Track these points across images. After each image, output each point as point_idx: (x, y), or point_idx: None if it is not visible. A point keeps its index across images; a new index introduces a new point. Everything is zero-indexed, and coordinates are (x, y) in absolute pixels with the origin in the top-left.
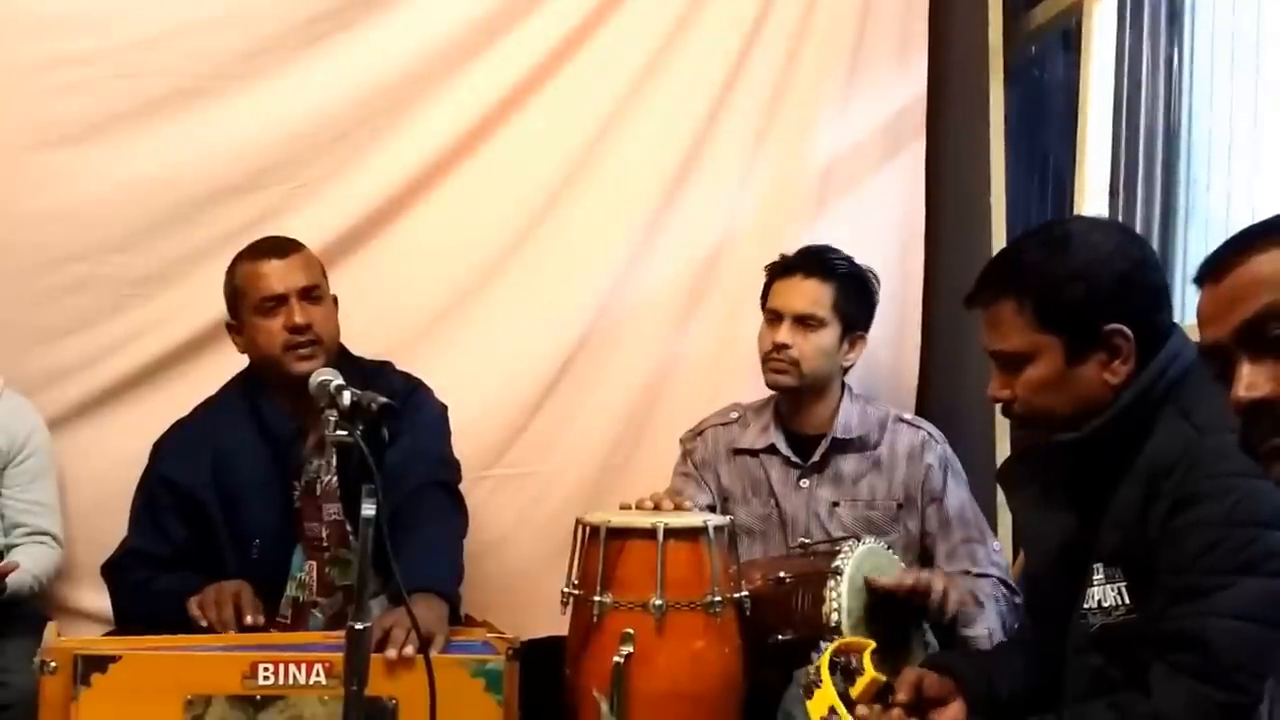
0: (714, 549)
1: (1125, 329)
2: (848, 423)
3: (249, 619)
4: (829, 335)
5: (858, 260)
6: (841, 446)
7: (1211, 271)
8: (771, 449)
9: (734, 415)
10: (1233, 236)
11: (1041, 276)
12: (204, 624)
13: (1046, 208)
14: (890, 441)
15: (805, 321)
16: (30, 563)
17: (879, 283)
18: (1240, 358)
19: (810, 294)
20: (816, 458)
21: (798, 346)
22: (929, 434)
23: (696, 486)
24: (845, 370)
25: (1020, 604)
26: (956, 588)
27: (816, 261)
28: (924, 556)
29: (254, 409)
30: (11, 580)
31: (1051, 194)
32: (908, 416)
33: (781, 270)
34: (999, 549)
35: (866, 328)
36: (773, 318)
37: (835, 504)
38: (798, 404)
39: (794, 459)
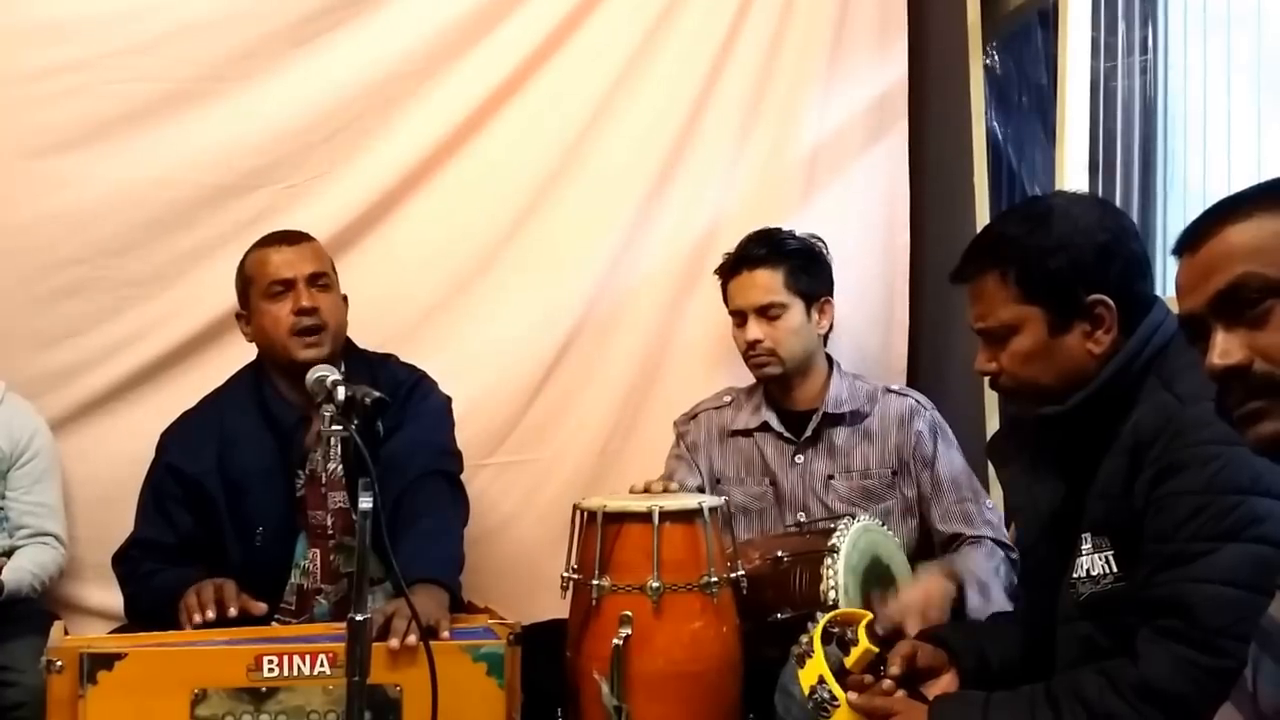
0: (709, 530)
1: (1107, 299)
2: (838, 396)
3: (231, 611)
4: (795, 315)
5: (845, 242)
6: (833, 420)
7: (1188, 243)
8: (764, 427)
9: (727, 399)
10: (1209, 208)
11: (1023, 249)
12: (197, 619)
13: (1029, 185)
14: (880, 411)
15: (767, 311)
16: (31, 563)
17: (824, 244)
18: (1215, 326)
19: (762, 284)
20: (809, 432)
21: (769, 337)
22: (917, 401)
23: (688, 469)
24: (825, 339)
25: (1015, 559)
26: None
27: (760, 250)
28: (922, 521)
29: (259, 397)
30: (9, 580)
31: (1034, 171)
32: (895, 387)
33: (730, 270)
34: (992, 506)
35: (830, 291)
36: (738, 317)
37: (831, 477)
38: (787, 385)
39: (787, 435)
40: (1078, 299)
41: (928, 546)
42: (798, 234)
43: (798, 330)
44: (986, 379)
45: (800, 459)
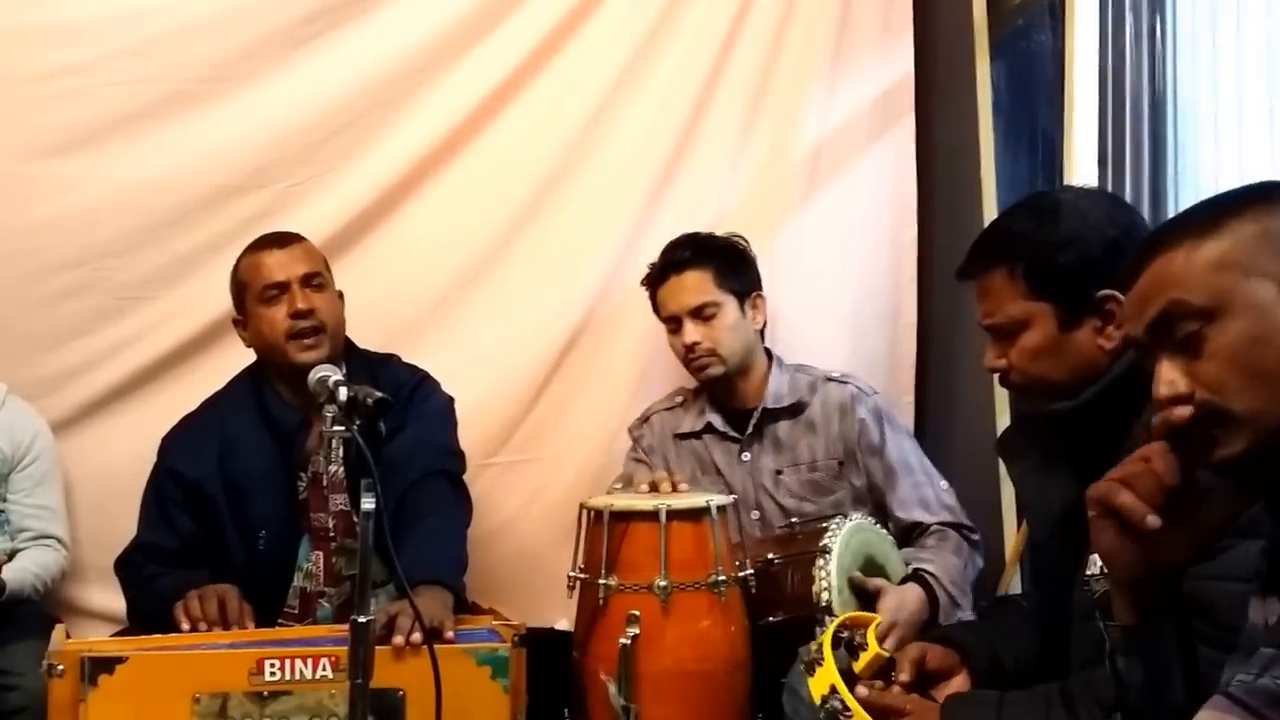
0: (717, 528)
1: (1118, 294)
2: (778, 391)
3: (232, 621)
4: (729, 313)
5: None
6: (774, 415)
7: (1129, 272)
8: (709, 428)
9: (678, 399)
10: (1145, 238)
11: (1031, 244)
12: (185, 627)
13: (1037, 180)
14: (820, 401)
15: (702, 312)
16: (33, 564)
17: (746, 241)
18: (1158, 355)
19: (693, 285)
20: (750, 429)
21: (707, 337)
22: (857, 388)
23: (648, 471)
24: (762, 334)
25: (978, 540)
26: (902, 628)
27: (685, 253)
28: (876, 509)
29: (259, 399)
30: (11, 579)
31: (1041, 166)
32: (836, 375)
33: (658, 278)
34: (947, 488)
35: (759, 286)
36: (672, 324)
37: (779, 472)
38: (729, 385)
39: (731, 434)
40: (1088, 294)
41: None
42: (718, 234)
43: (734, 327)
44: (996, 376)
45: (747, 456)
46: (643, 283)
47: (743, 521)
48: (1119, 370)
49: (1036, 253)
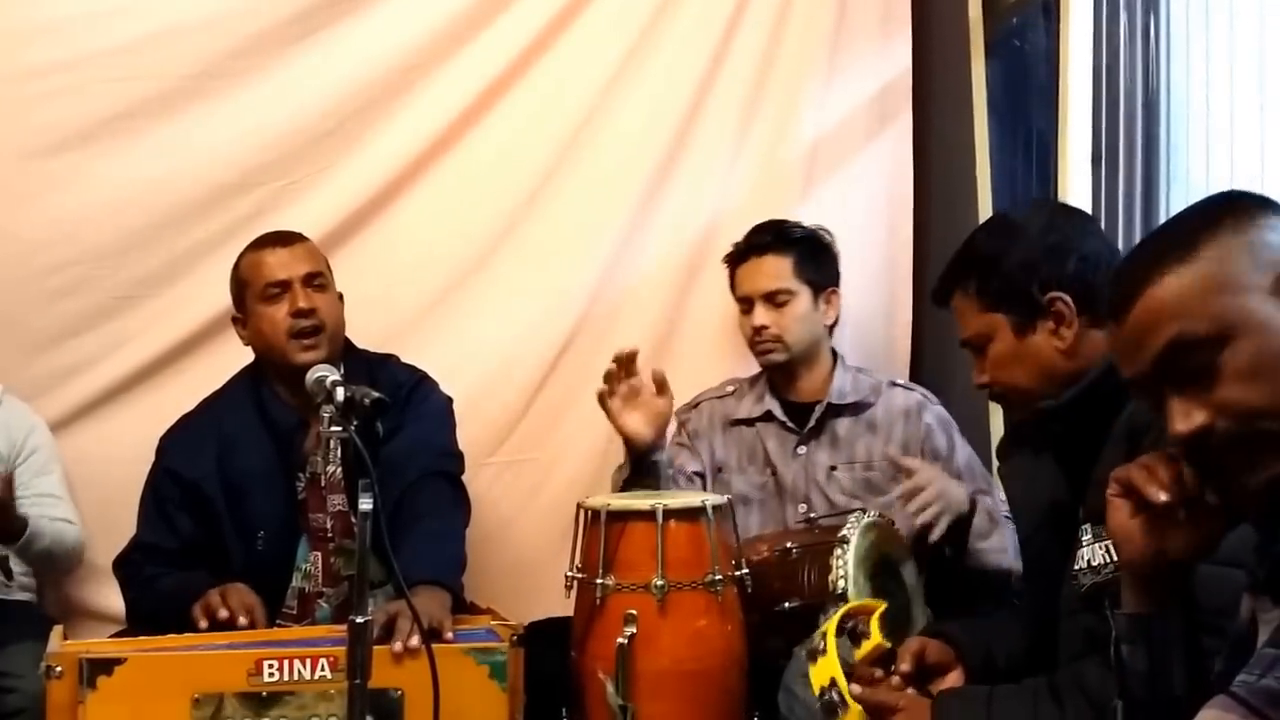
0: (713, 528)
1: (1064, 296)
2: (842, 388)
3: (242, 620)
4: (802, 303)
5: (847, 235)
6: (836, 411)
7: (1113, 310)
8: (768, 416)
9: (730, 389)
10: (1120, 272)
11: (977, 261)
12: (204, 625)
13: (1032, 179)
14: (885, 403)
15: (775, 298)
16: (50, 524)
17: (832, 236)
18: (1166, 391)
19: (771, 270)
20: (813, 423)
21: (776, 323)
22: (923, 395)
23: (690, 455)
24: (831, 330)
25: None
26: (930, 496)
27: (768, 238)
28: None
29: (258, 399)
30: (33, 522)
31: (1036, 164)
32: (900, 381)
33: (739, 257)
34: (1004, 499)
35: (836, 281)
36: (745, 304)
37: (833, 468)
38: (791, 375)
39: (790, 425)
40: (1034, 299)
41: (924, 539)
42: (806, 224)
43: (803, 318)
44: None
45: (803, 450)
46: (724, 259)
47: (787, 514)
48: (1099, 371)
49: (983, 268)
